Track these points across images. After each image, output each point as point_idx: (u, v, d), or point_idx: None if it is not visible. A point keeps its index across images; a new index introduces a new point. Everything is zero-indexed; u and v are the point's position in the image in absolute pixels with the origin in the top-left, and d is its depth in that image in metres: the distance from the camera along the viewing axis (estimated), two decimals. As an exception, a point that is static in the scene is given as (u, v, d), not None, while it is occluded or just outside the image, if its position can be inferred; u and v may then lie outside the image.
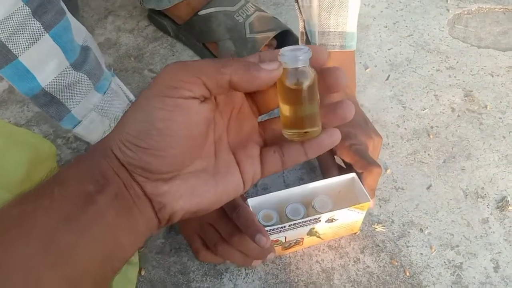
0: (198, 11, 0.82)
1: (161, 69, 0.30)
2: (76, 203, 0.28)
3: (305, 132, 0.33)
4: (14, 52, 0.51)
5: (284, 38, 0.81)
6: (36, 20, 0.51)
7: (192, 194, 0.32)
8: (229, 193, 0.34)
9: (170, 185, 0.31)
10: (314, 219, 0.55)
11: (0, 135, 0.45)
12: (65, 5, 0.55)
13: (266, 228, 0.55)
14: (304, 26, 0.71)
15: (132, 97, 0.61)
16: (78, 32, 0.57)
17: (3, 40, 0.50)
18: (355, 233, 0.64)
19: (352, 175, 0.58)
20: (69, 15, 0.56)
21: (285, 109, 0.33)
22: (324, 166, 0.64)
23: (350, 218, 0.58)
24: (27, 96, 0.54)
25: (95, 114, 0.54)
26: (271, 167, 0.35)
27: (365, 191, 0.56)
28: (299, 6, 0.70)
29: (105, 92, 0.55)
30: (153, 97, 0.29)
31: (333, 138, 0.34)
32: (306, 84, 0.31)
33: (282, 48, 0.31)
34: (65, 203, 0.27)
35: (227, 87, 0.30)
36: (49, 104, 0.53)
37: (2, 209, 0.28)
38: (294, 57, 0.30)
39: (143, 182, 0.30)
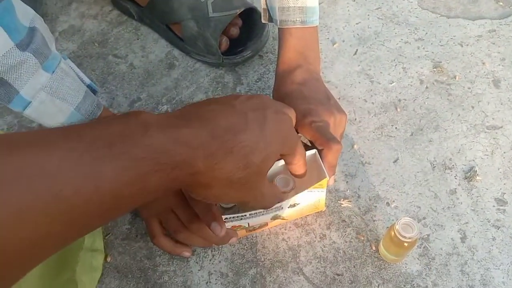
0: (160, -8, 0.80)
1: None
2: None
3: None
4: None
5: (249, 16, 0.79)
6: None
7: None
8: None
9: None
10: (276, 207, 0.55)
11: None
12: None
13: (227, 217, 0.54)
14: (266, 3, 0.69)
15: (87, 80, 0.60)
16: (24, 14, 0.56)
17: None
18: (322, 211, 0.63)
19: (313, 151, 0.57)
20: None
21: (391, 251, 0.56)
22: None
23: (312, 198, 0.58)
24: None
25: (44, 94, 0.53)
26: None
27: (323, 167, 0.55)
28: None
29: (53, 72, 0.54)
30: None
31: None
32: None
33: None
34: None
35: None
36: None
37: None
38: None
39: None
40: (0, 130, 0.74)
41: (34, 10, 0.57)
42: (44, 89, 0.53)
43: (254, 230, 0.61)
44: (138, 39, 0.85)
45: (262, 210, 0.55)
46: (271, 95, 0.68)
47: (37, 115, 0.54)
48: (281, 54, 0.65)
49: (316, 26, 0.66)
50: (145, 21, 0.85)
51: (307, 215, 0.63)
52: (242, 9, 0.77)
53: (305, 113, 0.60)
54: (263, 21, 0.72)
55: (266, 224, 0.60)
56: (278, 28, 0.66)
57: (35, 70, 0.52)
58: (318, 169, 0.57)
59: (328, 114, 0.60)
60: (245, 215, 0.55)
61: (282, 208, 0.56)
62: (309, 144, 0.63)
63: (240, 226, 0.58)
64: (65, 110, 0.55)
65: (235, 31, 0.78)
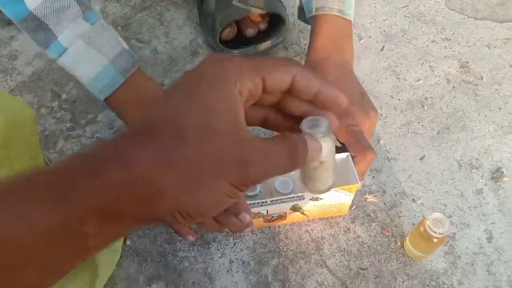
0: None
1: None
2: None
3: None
4: None
5: (275, 24, 0.78)
6: None
7: None
8: None
9: None
10: (297, 196, 0.53)
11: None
12: None
13: (248, 203, 0.53)
14: (301, 1, 0.68)
15: (125, 45, 0.58)
16: None
17: None
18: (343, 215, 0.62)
19: (346, 154, 0.55)
20: None
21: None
22: None
23: (337, 199, 0.56)
24: (15, 22, 0.54)
25: (81, 42, 0.53)
26: None
27: (355, 173, 0.53)
28: None
29: (93, 23, 0.54)
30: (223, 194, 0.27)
31: None
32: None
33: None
34: None
35: None
36: (37, 29, 0.53)
37: None
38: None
39: None
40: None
41: None
42: (82, 38, 0.54)
43: (272, 221, 0.60)
44: (162, 25, 0.84)
45: (283, 197, 0.54)
46: None
47: (71, 64, 0.55)
48: (314, 41, 0.63)
49: (351, 20, 0.64)
50: None
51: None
52: (265, 11, 0.75)
53: (340, 114, 0.57)
54: (297, 18, 0.71)
55: (285, 215, 0.59)
56: (313, 16, 0.64)
57: (76, 18, 0.53)
58: (348, 172, 0.55)
59: (363, 116, 0.57)
60: (266, 201, 0.54)
61: (304, 198, 0.55)
62: (339, 144, 0.61)
63: (258, 213, 0.57)
64: (100, 62, 0.55)
65: (251, 32, 0.77)
